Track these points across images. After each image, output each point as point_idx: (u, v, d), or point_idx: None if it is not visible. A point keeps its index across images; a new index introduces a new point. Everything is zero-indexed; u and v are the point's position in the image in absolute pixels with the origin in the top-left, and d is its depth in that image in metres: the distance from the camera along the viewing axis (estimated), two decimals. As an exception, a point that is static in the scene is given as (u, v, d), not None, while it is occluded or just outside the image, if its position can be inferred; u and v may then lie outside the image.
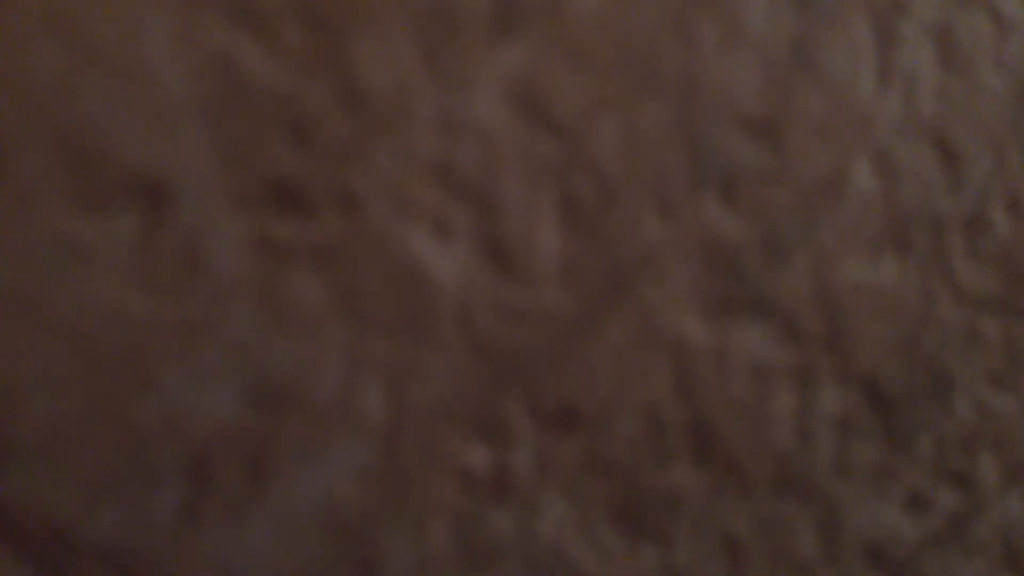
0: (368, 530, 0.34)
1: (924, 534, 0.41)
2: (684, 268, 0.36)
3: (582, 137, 0.35)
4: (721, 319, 0.37)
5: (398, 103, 0.32)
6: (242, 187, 0.31)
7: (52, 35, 0.29)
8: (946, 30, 0.39)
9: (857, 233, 0.39)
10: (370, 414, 0.33)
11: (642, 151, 0.35)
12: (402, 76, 0.32)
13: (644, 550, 0.37)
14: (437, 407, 0.34)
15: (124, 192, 0.30)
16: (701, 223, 0.36)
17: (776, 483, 0.38)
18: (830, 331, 0.39)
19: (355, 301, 0.33)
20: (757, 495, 0.38)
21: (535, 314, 0.35)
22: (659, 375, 0.37)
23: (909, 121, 0.39)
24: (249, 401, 0.32)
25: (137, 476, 0.31)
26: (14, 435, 0.30)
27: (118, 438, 0.31)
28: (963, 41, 0.39)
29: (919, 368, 0.40)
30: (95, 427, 0.30)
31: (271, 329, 0.32)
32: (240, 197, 0.31)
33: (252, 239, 0.31)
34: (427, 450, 0.34)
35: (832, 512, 0.39)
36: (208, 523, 0.32)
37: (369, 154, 0.32)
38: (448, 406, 0.34)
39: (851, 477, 0.39)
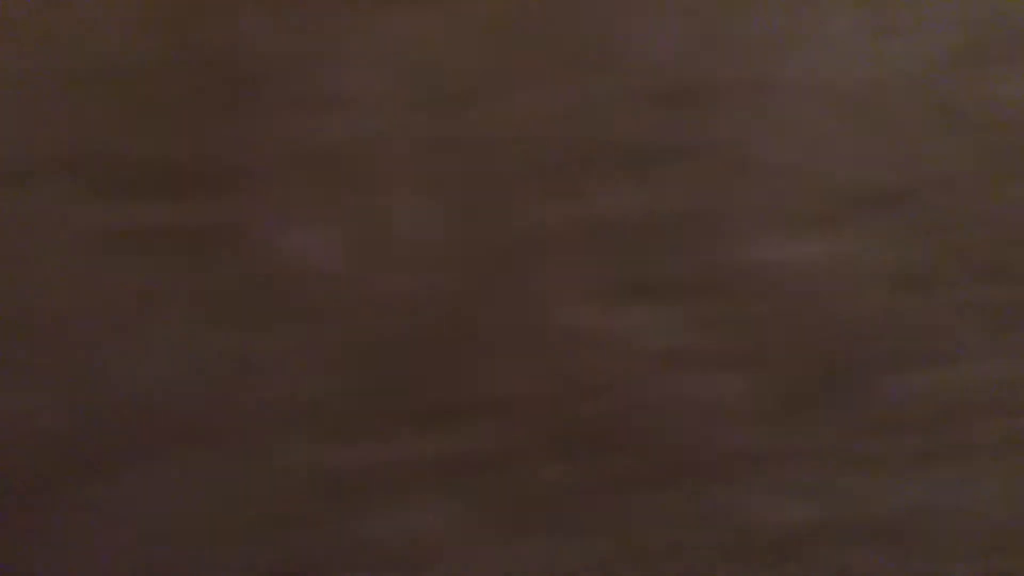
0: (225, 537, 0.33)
1: (825, 519, 0.41)
2: (581, 252, 0.36)
3: (475, 113, 0.34)
4: (620, 304, 0.36)
5: (274, 80, 0.31)
6: (102, 172, 0.30)
7: None
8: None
9: (775, 210, 0.38)
10: (223, 416, 0.33)
11: (543, 129, 0.34)
12: (280, 52, 0.31)
13: (529, 545, 0.37)
14: (304, 405, 0.33)
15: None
16: (603, 204, 0.36)
17: (675, 472, 0.38)
18: (739, 314, 0.38)
19: (219, 291, 0.32)
20: (655, 484, 0.38)
21: (416, 301, 0.34)
22: (550, 364, 0.36)
23: (834, 91, 0.38)
24: (80, 407, 0.31)
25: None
26: None
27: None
28: (895, 2, 0.38)
29: (833, 351, 0.40)
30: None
31: (117, 326, 0.31)
32: (99, 182, 0.30)
33: (111, 226, 0.31)
34: (295, 452, 0.33)
35: (732, 500, 0.39)
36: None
37: (242, 135, 0.31)
38: (318, 403, 0.33)
39: (755, 464, 0.39)
